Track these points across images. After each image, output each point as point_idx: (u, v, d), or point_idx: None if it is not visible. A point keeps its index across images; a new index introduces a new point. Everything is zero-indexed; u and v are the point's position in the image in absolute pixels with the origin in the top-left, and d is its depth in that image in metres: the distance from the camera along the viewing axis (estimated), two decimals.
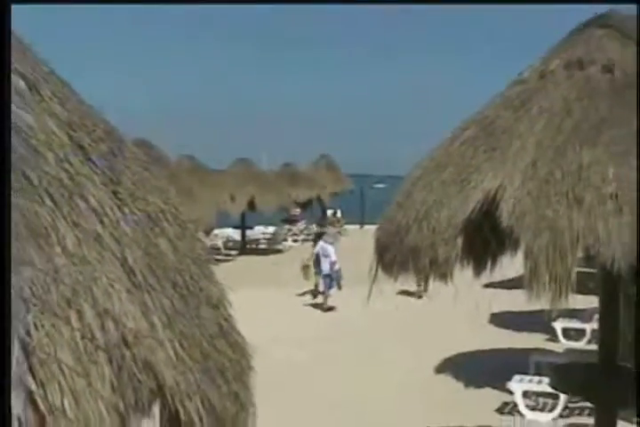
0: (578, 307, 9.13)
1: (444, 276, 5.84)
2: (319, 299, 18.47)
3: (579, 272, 5.31)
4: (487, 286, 14.07)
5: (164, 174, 4.03)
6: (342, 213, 37.54)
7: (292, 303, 18.60)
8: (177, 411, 2.34)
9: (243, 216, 29.37)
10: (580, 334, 13.52)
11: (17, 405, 1.88)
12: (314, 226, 30.94)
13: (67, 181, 2.40)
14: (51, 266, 2.16)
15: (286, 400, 10.21)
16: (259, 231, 32.14)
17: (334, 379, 11.77)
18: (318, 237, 20.07)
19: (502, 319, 15.55)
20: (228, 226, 30.38)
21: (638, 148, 5.49)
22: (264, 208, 29.37)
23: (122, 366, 2.15)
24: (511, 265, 6.53)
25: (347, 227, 35.18)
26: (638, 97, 5.78)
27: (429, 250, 5.76)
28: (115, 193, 2.57)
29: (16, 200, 2.21)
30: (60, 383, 1.97)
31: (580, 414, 9.78)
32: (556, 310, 5.39)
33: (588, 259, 5.55)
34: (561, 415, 9.73)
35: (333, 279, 18.18)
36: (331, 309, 17.79)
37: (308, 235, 31.85)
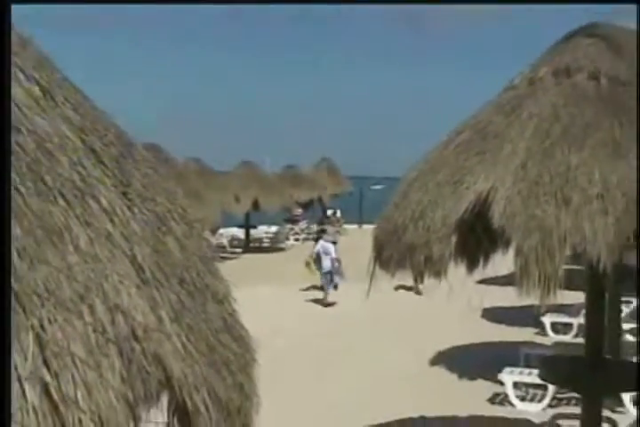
0: (566, 302, 9.11)
1: (439, 272, 5.83)
2: (321, 294, 18.47)
3: (566, 269, 5.31)
4: (480, 282, 14.07)
5: (172, 176, 4.03)
6: (342, 213, 37.51)
7: (295, 298, 18.59)
8: (184, 401, 2.34)
9: (247, 216, 29.38)
10: (567, 328, 13.52)
11: (32, 395, 1.88)
12: (315, 225, 30.93)
13: (79, 183, 2.40)
14: (64, 263, 2.16)
15: (284, 392, 10.20)
16: (262, 230, 32.15)
17: (333, 370, 11.77)
18: (320, 235, 20.07)
19: (494, 314, 15.54)
20: (233, 225, 30.38)
21: (638, 148, 5.48)
22: (267, 208, 29.39)
23: (131, 359, 2.15)
24: (502, 262, 6.52)
25: (346, 226, 35.12)
26: (638, 98, 5.77)
27: (425, 248, 5.76)
28: (125, 194, 2.57)
29: (31, 200, 2.21)
30: (72, 375, 1.97)
31: (567, 404, 9.78)
32: (545, 306, 5.41)
33: (576, 257, 5.54)
34: (549, 405, 9.73)
35: (334, 276, 18.21)
36: (331, 304, 17.78)
37: (309, 234, 31.85)
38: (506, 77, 6.67)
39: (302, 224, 35.42)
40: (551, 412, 9.38)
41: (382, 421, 9.19)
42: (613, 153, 5.53)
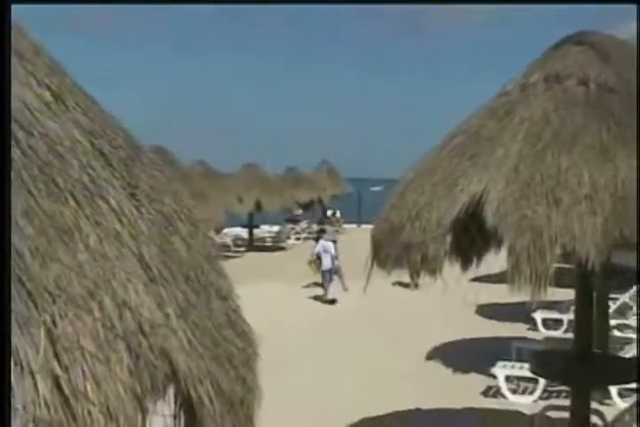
0: (556, 299, 9.12)
1: (434, 271, 5.83)
2: (322, 291, 18.47)
3: (557, 268, 5.31)
4: (474, 280, 14.05)
5: (178, 178, 4.03)
6: (341, 213, 37.53)
7: (296, 295, 18.59)
8: (189, 394, 2.34)
9: (250, 216, 29.38)
10: (557, 323, 13.52)
11: (43, 388, 1.88)
12: (315, 225, 30.93)
13: (89, 185, 2.40)
14: (74, 262, 2.16)
15: (285, 385, 10.20)
16: (264, 230, 32.14)
17: (332, 363, 11.77)
18: (320, 235, 20.06)
19: (487, 310, 15.55)
20: (237, 225, 30.37)
21: (638, 148, 5.47)
22: (269, 209, 29.42)
23: (139, 353, 2.15)
24: (495, 261, 6.52)
25: (345, 226, 35.14)
26: (638, 100, 5.77)
27: (421, 247, 5.75)
28: (133, 195, 2.57)
29: (43, 201, 2.21)
30: (82, 368, 1.98)
31: (557, 397, 9.78)
32: (536, 302, 5.40)
33: (566, 255, 5.54)
34: (540, 398, 9.73)
35: (333, 274, 18.22)
36: (331, 301, 17.77)
37: (310, 233, 31.84)
38: (505, 79, 6.68)
39: (303, 224, 35.42)
40: (542, 404, 9.37)
41: (379, 413, 9.19)
42: (602, 156, 5.53)
